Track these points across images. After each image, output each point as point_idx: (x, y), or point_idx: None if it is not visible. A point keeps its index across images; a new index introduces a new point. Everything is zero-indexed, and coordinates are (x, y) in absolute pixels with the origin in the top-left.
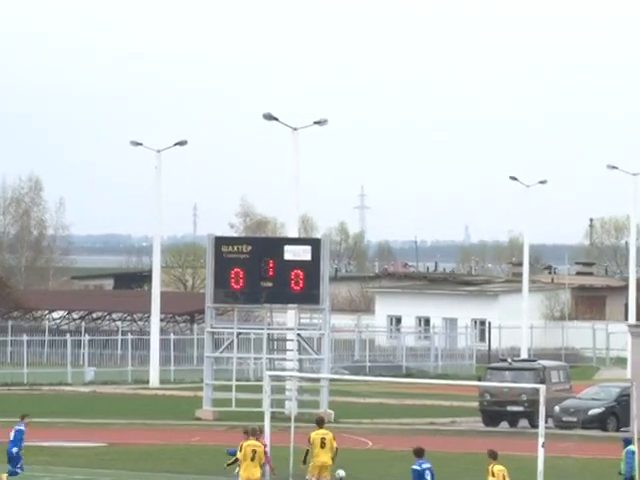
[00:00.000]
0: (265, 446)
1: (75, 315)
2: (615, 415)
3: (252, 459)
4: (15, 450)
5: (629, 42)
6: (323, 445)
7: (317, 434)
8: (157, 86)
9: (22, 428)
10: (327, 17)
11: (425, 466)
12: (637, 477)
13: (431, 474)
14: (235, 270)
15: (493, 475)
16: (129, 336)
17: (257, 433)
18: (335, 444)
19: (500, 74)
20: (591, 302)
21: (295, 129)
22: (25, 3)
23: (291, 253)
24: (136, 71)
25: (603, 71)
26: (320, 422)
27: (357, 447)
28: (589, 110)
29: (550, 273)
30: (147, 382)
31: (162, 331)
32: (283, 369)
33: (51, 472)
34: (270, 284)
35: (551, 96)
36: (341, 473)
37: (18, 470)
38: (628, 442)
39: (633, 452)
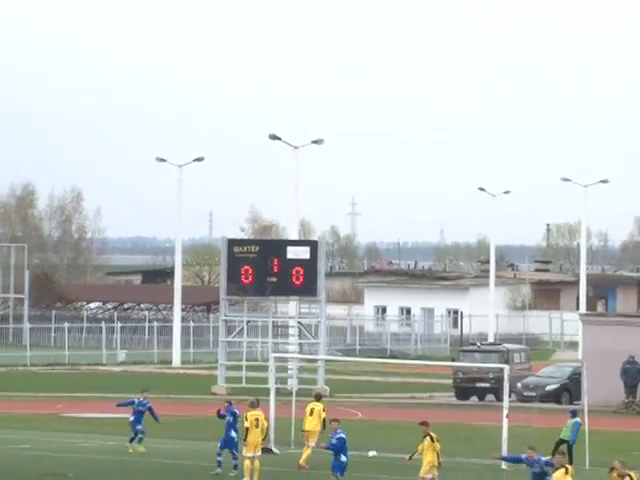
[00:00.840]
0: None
1: (109, 305)
2: (568, 390)
3: (256, 426)
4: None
5: (579, 59)
6: (312, 414)
7: (311, 405)
8: (179, 109)
9: (140, 400)
10: (319, 46)
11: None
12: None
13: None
14: (245, 267)
15: (434, 440)
16: (155, 323)
17: (255, 404)
18: (324, 414)
19: (471, 89)
20: (547, 295)
21: (296, 147)
22: (67, 42)
23: (292, 253)
24: (159, 96)
25: (558, 92)
26: (318, 397)
27: (349, 418)
28: (547, 126)
29: (513, 270)
30: (170, 362)
31: (183, 319)
32: (286, 351)
33: (89, 439)
34: (275, 279)
35: (515, 113)
36: (372, 453)
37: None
38: (574, 414)
39: (580, 424)
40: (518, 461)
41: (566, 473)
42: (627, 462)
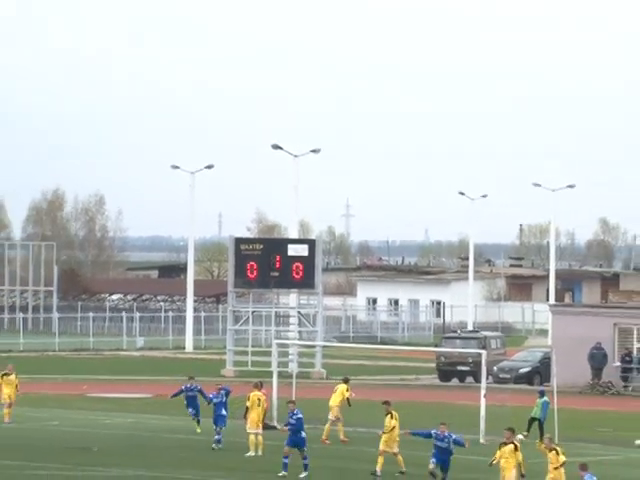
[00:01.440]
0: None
1: (129, 297)
2: (539, 373)
3: (258, 405)
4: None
5: (548, 70)
6: (334, 392)
7: (340, 387)
8: (192, 120)
9: (188, 387)
10: (318, 65)
11: None
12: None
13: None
14: (250, 263)
15: (393, 417)
16: (170, 313)
17: (259, 386)
18: (347, 394)
19: (451, 101)
20: (520, 288)
21: (296, 156)
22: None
23: (293, 250)
24: (174, 108)
25: (527, 102)
26: (346, 380)
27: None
28: (520, 135)
29: (489, 265)
30: (184, 348)
31: (195, 309)
32: (287, 338)
33: (110, 416)
34: (277, 274)
35: (491, 123)
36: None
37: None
38: (542, 394)
39: (548, 402)
40: (428, 436)
41: (515, 450)
42: (585, 437)
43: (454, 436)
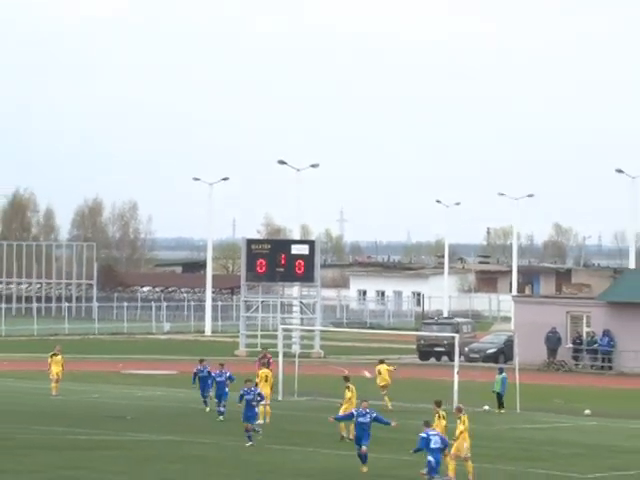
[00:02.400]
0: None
1: (157, 289)
2: (504, 353)
3: (265, 381)
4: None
5: (510, 82)
6: (380, 373)
7: (381, 367)
8: (209, 137)
9: (199, 369)
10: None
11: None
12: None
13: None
14: (260, 260)
15: (350, 390)
16: (192, 302)
17: (266, 364)
18: (390, 374)
19: (426, 124)
20: (488, 281)
21: (298, 170)
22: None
23: (296, 249)
24: (192, 128)
25: (495, 117)
26: (381, 361)
27: (337, 374)
28: (487, 148)
29: (461, 262)
30: (203, 332)
31: (213, 299)
32: (290, 324)
33: (142, 390)
34: (282, 269)
35: (465, 139)
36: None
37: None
38: (501, 371)
39: (506, 378)
40: (350, 417)
41: (439, 418)
42: (542, 407)
43: (375, 414)
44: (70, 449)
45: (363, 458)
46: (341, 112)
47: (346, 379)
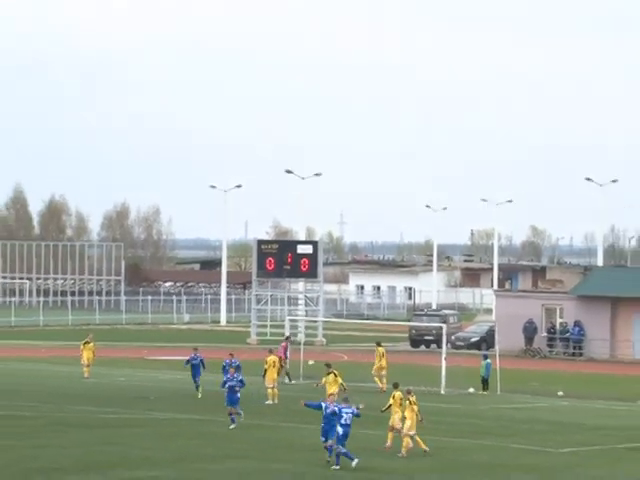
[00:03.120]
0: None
1: (178, 284)
2: (486, 341)
3: (273, 367)
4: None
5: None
6: (383, 355)
7: (379, 349)
8: (225, 146)
9: (193, 356)
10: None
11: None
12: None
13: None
14: (269, 259)
15: (337, 376)
16: (209, 296)
17: (273, 351)
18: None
19: (415, 131)
20: (472, 277)
21: (303, 178)
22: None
23: (301, 249)
24: (210, 137)
25: (477, 124)
26: (378, 343)
27: (337, 360)
28: (470, 156)
29: (448, 260)
30: (219, 322)
31: (227, 293)
32: (296, 315)
33: (165, 374)
34: (289, 267)
35: (450, 146)
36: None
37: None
38: (485, 357)
39: (490, 364)
40: (319, 407)
41: (410, 404)
42: (520, 389)
43: (340, 407)
44: (101, 427)
45: (329, 450)
46: (341, 126)
47: (328, 366)
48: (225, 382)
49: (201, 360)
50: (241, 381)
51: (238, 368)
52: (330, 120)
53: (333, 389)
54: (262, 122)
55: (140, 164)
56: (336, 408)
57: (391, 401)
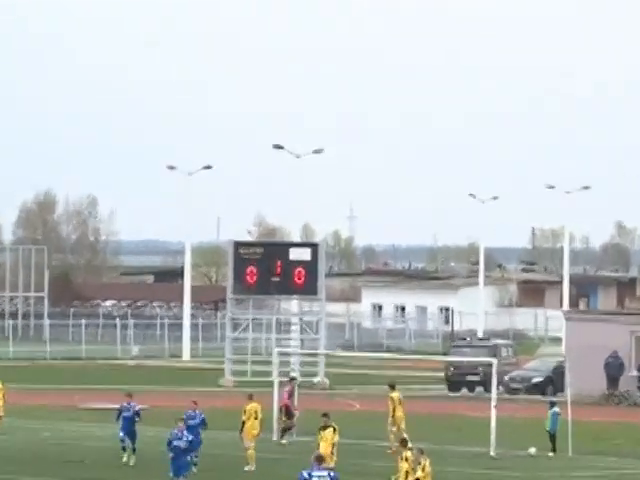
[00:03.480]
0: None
1: (123, 303)
2: (552, 383)
3: (255, 418)
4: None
5: (558, 72)
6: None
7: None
8: (187, 115)
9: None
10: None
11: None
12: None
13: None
14: (250, 268)
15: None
16: (166, 320)
17: (253, 397)
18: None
19: (462, 106)
20: (533, 293)
21: (298, 156)
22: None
23: (294, 254)
24: (167, 103)
25: (541, 105)
26: (392, 386)
27: (347, 409)
28: (532, 135)
29: (500, 270)
30: (180, 356)
31: (192, 316)
32: (288, 346)
33: (104, 428)
34: (278, 279)
35: (504, 125)
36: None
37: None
38: (553, 404)
39: (558, 413)
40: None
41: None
42: (601, 449)
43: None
44: None
45: None
46: (350, 87)
47: (325, 416)
48: (170, 442)
49: (136, 412)
50: (191, 442)
51: (201, 424)
52: (334, 83)
53: (328, 444)
54: (242, 83)
55: (69, 139)
56: (305, 474)
57: (420, 473)
